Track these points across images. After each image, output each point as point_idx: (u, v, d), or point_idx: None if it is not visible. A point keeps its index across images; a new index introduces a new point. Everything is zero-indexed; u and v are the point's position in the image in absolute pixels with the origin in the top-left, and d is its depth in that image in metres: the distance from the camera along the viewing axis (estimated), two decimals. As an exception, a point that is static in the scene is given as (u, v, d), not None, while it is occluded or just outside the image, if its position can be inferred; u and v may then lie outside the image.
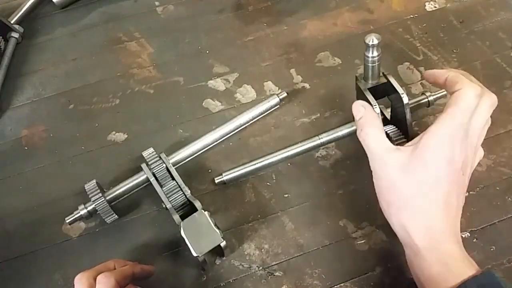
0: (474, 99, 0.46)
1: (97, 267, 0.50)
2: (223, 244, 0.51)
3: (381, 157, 0.48)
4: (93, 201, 0.57)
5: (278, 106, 0.67)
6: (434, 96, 0.61)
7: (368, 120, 0.50)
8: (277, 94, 0.66)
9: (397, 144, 0.55)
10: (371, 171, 0.59)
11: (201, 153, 0.64)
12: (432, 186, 0.45)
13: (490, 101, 0.48)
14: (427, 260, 0.44)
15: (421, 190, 0.45)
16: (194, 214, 0.53)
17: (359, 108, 0.51)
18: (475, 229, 0.55)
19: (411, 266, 0.47)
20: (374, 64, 0.54)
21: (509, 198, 0.57)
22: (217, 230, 0.51)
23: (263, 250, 0.57)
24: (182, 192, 0.56)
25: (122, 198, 0.60)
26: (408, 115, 0.55)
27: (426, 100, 0.61)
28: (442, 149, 0.45)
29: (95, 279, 0.48)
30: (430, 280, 0.44)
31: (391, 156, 0.47)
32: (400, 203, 0.46)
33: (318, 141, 0.62)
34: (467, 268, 0.43)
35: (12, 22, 0.81)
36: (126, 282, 0.49)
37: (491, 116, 0.61)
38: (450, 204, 0.46)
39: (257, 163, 0.61)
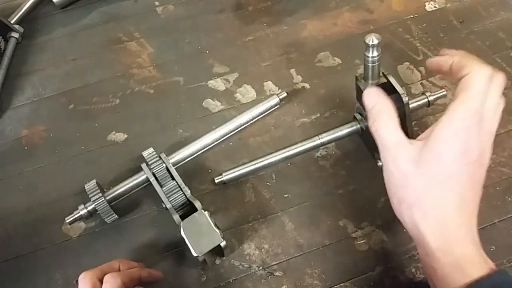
0: (486, 82, 0.43)
1: (101, 267, 0.50)
2: (223, 244, 0.51)
3: (393, 150, 0.45)
4: (93, 201, 0.57)
5: (278, 106, 0.67)
6: (434, 96, 0.61)
7: (381, 110, 0.46)
8: (277, 94, 0.66)
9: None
10: (371, 171, 0.60)
11: (201, 153, 0.64)
12: (445, 180, 0.42)
13: (499, 81, 0.44)
14: (440, 261, 0.42)
15: (434, 185, 0.43)
16: (194, 214, 0.53)
17: (372, 97, 0.47)
18: (475, 229, 0.55)
19: (423, 265, 0.45)
20: (374, 64, 0.54)
21: (509, 198, 0.57)
22: (217, 230, 0.51)
23: (263, 250, 0.57)
24: (182, 192, 0.56)
25: (122, 198, 0.60)
26: (408, 115, 0.55)
27: (426, 100, 0.61)
28: (455, 140, 0.42)
29: (99, 279, 0.48)
30: (443, 281, 0.42)
31: (403, 149, 0.44)
32: (412, 200, 0.44)
33: (318, 141, 0.62)
34: (483, 271, 0.40)
35: (12, 22, 0.81)
36: (133, 284, 0.49)
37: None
38: (465, 199, 0.43)
39: (257, 163, 0.61)
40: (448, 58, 0.46)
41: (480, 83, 0.43)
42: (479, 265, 0.41)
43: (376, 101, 0.47)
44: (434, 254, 0.42)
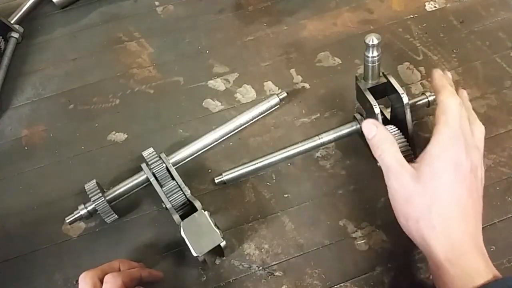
0: (458, 107, 0.49)
1: (102, 267, 0.50)
2: (223, 244, 0.51)
3: (397, 170, 0.48)
4: (93, 201, 0.57)
5: (278, 106, 0.67)
6: (434, 96, 0.61)
7: (382, 138, 0.51)
8: (277, 94, 0.66)
9: (398, 144, 0.55)
10: (371, 171, 0.60)
11: (201, 153, 0.64)
12: (445, 193, 0.46)
13: (466, 106, 0.52)
14: (450, 273, 0.44)
15: (436, 198, 0.46)
16: (194, 214, 0.53)
17: (371, 127, 0.52)
18: (475, 229, 0.55)
19: (434, 278, 0.47)
20: (374, 64, 0.54)
21: (509, 198, 0.57)
22: (217, 230, 0.51)
23: (263, 250, 0.57)
24: (182, 192, 0.56)
25: (122, 198, 0.60)
26: (408, 115, 0.55)
27: (426, 100, 0.61)
28: (447, 155, 0.47)
29: (99, 279, 0.48)
30: None
31: (405, 169, 0.48)
32: (417, 215, 0.46)
33: (318, 141, 0.62)
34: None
35: (12, 22, 0.81)
36: (133, 284, 0.49)
37: (491, 116, 0.61)
38: (467, 208, 0.46)
39: (257, 163, 0.61)
40: (433, 78, 0.53)
41: (454, 108, 0.49)
42: (486, 276, 0.43)
43: (375, 131, 0.51)
44: (443, 266, 0.44)
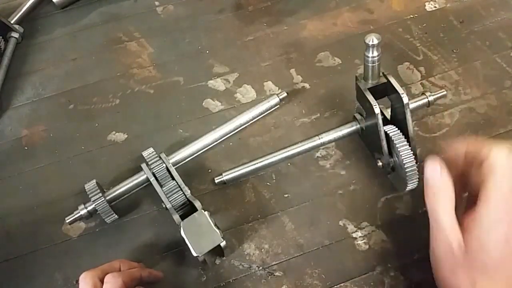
0: (508, 160, 0.43)
1: (102, 267, 0.50)
2: (223, 244, 0.51)
3: (448, 233, 0.44)
4: (93, 201, 0.57)
5: (278, 106, 0.67)
6: (434, 96, 0.61)
7: (444, 185, 0.45)
8: (277, 94, 0.66)
9: (397, 144, 0.55)
10: (371, 171, 0.60)
11: (201, 153, 0.64)
12: (493, 272, 0.42)
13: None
14: None
15: (483, 277, 0.42)
16: (194, 214, 0.53)
17: (436, 166, 0.45)
18: (475, 229, 0.55)
19: None
20: (374, 64, 0.54)
21: (509, 198, 0.57)
22: (217, 230, 0.51)
23: (263, 250, 0.57)
24: (182, 192, 0.56)
25: (122, 198, 0.60)
26: (408, 115, 0.55)
27: (426, 100, 0.61)
28: (497, 229, 0.42)
29: (100, 279, 0.48)
30: None
31: (456, 234, 0.44)
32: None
33: (318, 141, 0.62)
34: None
35: (12, 22, 0.81)
36: (134, 284, 0.49)
37: (491, 116, 0.61)
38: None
39: (257, 163, 0.61)
40: (461, 148, 0.47)
41: (502, 164, 0.43)
42: None
43: (439, 175, 0.45)
44: None
